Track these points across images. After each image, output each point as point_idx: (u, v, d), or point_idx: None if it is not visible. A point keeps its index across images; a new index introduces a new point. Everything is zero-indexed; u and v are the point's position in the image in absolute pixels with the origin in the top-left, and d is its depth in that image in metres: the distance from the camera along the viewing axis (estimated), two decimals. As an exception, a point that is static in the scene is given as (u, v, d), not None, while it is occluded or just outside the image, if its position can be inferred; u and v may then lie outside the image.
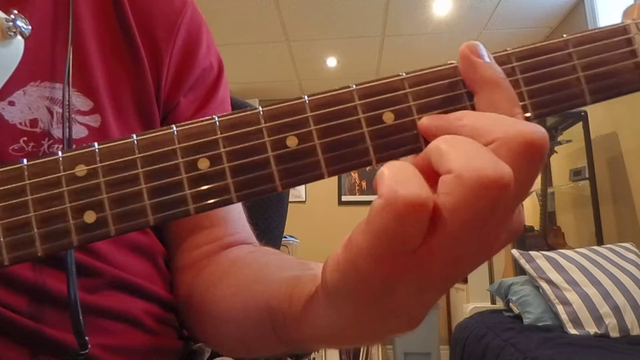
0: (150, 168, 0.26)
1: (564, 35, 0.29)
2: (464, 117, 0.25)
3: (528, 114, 0.27)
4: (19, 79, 0.40)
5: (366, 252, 0.23)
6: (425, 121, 0.27)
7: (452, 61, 0.28)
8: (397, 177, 0.22)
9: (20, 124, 0.41)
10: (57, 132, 0.42)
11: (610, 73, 0.28)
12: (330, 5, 2.81)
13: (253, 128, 0.27)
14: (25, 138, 0.41)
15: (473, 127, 0.24)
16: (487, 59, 0.27)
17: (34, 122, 0.41)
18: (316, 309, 0.29)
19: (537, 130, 0.23)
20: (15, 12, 0.35)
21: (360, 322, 0.27)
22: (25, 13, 0.38)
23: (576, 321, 1.72)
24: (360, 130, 0.27)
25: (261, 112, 0.27)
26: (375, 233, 0.22)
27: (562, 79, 0.28)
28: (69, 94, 0.41)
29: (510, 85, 0.27)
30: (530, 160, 0.23)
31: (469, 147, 0.23)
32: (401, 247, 0.23)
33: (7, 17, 0.35)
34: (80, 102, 0.44)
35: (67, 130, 0.41)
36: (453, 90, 0.27)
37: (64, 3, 0.45)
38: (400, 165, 0.23)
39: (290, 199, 0.92)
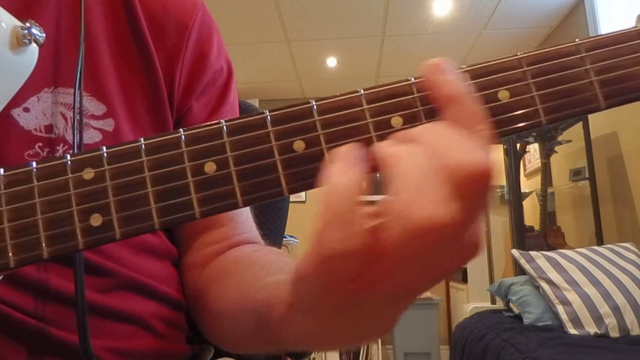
0: (157, 172, 0.26)
1: (576, 40, 0.28)
2: (424, 134, 0.24)
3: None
4: (33, 86, 0.41)
5: (310, 278, 0.24)
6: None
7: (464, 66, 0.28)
8: (330, 215, 0.22)
9: (36, 130, 0.41)
10: (71, 137, 0.42)
11: (625, 77, 0.28)
12: (330, 5, 2.81)
13: (260, 132, 0.27)
14: (40, 144, 0.41)
15: (428, 147, 0.23)
16: (451, 76, 0.26)
17: (48, 128, 0.42)
18: (286, 316, 0.30)
19: (477, 163, 0.22)
20: (31, 20, 0.36)
21: (327, 331, 0.27)
22: (39, 20, 0.38)
23: (576, 321, 1.72)
24: (369, 135, 0.27)
25: (268, 117, 0.27)
26: (312, 265, 0.23)
27: (574, 83, 0.28)
28: (80, 99, 0.41)
29: (474, 101, 0.26)
30: (472, 193, 0.22)
31: (416, 180, 0.22)
32: (338, 278, 0.23)
33: (22, 25, 0.35)
34: (93, 106, 0.44)
35: (78, 134, 0.41)
36: None
37: (76, 9, 0.45)
38: (338, 193, 0.22)
39: (290, 199, 0.92)
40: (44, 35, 0.37)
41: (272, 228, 0.83)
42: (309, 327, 0.28)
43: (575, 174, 2.65)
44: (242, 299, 0.40)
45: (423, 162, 0.22)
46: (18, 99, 0.40)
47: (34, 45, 0.36)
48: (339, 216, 0.22)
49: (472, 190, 0.22)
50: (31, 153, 0.40)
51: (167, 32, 0.50)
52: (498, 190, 3.21)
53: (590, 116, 2.51)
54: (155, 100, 0.48)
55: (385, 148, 0.24)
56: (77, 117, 0.41)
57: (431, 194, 0.21)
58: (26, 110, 0.41)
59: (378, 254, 0.22)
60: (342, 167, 0.24)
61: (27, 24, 0.35)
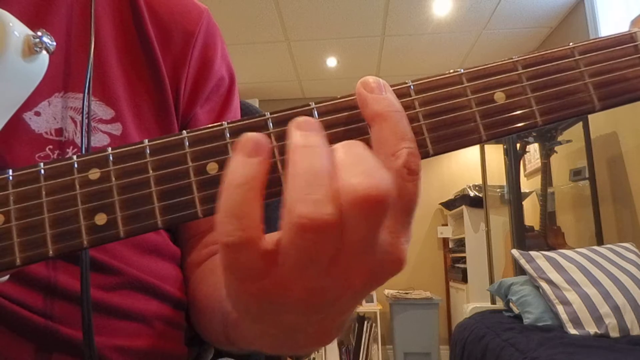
0: (160, 172, 0.27)
1: (570, 43, 0.29)
2: (339, 146, 0.24)
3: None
4: (44, 90, 0.42)
5: (224, 274, 0.25)
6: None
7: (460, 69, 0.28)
8: (224, 207, 0.22)
9: (46, 133, 0.42)
10: (80, 140, 0.43)
11: (619, 79, 0.28)
12: (330, 5, 2.81)
13: (261, 133, 0.27)
14: (50, 146, 0.42)
15: (336, 163, 0.23)
16: (382, 93, 0.26)
17: (59, 131, 0.43)
18: (238, 318, 0.31)
19: (371, 186, 0.21)
20: (42, 29, 0.37)
21: (267, 335, 0.28)
22: (50, 27, 0.39)
23: (576, 321, 1.73)
24: (367, 136, 0.27)
25: (269, 118, 0.27)
26: (220, 259, 0.24)
27: (569, 85, 0.28)
28: (89, 103, 0.43)
29: (401, 119, 0.26)
30: (364, 215, 0.22)
31: (304, 182, 0.22)
32: (244, 275, 0.23)
33: (34, 34, 0.36)
34: (102, 110, 0.45)
35: (87, 138, 0.42)
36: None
37: (85, 17, 0.46)
38: (234, 185, 0.23)
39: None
40: (55, 43, 0.38)
41: (272, 228, 0.83)
42: (253, 330, 0.28)
43: (575, 174, 2.65)
44: (215, 300, 0.41)
45: (317, 162, 0.22)
46: (29, 103, 0.41)
47: (44, 53, 0.37)
48: (232, 208, 0.22)
49: (360, 211, 0.22)
50: (42, 155, 0.42)
51: (173, 39, 0.52)
52: (498, 190, 3.21)
53: (590, 116, 2.51)
54: (162, 105, 0.49)
55: (293, 137, 0.24)
56: (86, 121, 0.42)
57: (314, 198, 0.21)
58: (37, 114, 0.42)
59: (274, 251, 0.23)
60: (242, 157, 0.23)
61: (39, 33, 0.36)
